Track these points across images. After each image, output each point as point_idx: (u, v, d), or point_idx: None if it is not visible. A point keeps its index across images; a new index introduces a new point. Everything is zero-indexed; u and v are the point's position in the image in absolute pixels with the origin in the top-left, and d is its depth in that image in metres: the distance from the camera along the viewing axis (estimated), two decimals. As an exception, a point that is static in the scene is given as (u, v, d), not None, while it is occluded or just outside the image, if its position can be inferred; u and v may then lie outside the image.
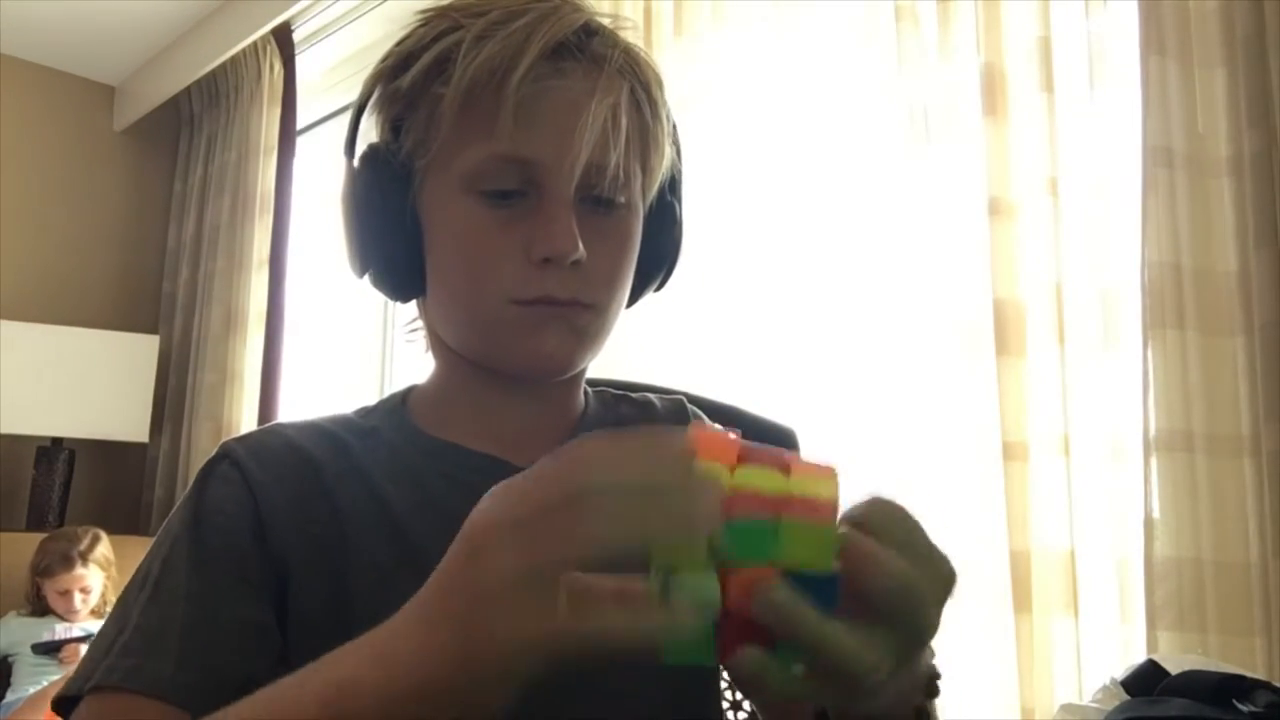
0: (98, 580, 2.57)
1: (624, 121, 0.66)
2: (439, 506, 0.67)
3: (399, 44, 0.69)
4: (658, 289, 0.78)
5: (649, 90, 0.69)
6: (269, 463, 0.67)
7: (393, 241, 0.68)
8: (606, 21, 0.70)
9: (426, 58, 0.66)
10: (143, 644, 0.59)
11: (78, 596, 2.52)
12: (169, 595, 0.61)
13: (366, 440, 0.70)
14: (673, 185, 0.74)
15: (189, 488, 0.67)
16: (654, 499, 0.39)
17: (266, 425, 0.72)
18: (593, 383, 0.81)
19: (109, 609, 2.44)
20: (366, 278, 0.71)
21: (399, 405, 0.75)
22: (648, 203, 0.72)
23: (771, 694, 0.42)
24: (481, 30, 0.64)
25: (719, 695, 0.78)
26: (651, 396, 0.82)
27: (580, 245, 0.64)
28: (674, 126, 0.73)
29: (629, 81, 0.68)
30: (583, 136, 0.63)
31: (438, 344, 0.74)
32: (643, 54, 0.70)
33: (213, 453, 0.68)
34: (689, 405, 0.83)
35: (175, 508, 0.67)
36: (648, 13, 2.14)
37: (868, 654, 0.41)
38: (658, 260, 0.74)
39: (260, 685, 0.47)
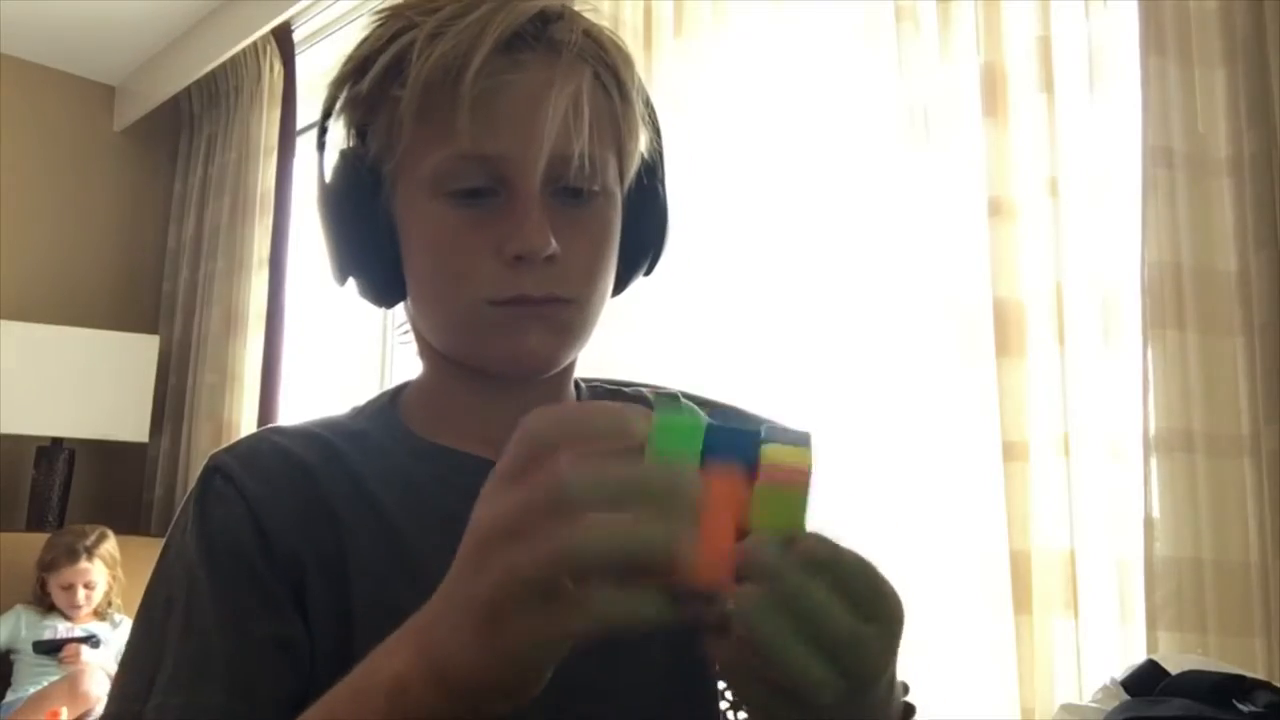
0: (102, 576, 2.57)
1: (587, 109, 0.63)
2: (433, 512, 0.66)
3: (358, 47, 0.68)
4: (646, 274, 0.76)
5: (616, 72, 0.67)
6: (262, 473, 0.65)
7: (369, 249, 0.67)
8: (580, 7, 0.68)
9: (383, 60, 0.64)
10: (188, 679, 0.58)
11: (81, 592, 2.52)
12: (200, 626, 0.60)
13: (357, 444, 0.69)
14: (653, 168, 0.72)
15: (188, 507, 0.65)
16: (639, 501, 0.40)
17: (254, 433, 0.70)
18: (586, 382, 0.80)
19: (112, 610, 2.44)
20: (350, 285, 0.70)
21: (388, 405, 0.74)
22: (625, 187, 0.70)
23: (774, 657, 0.42)
24: (434, 28, 0.62)
25: (717, 695, 0.77)
26: (645, 391, 0.81)
27: (552, 240, 0.62)
28: (649, 107, 0.71)
29: (591, 66, 0.65)
30: (544, 129, 0.61)
31: (424, 346, 0.73)
32: (607, 35, 0.68)
33: (204, 467, 0.66)
34: (683, 400, 0.81)
35: (177, 524, 0.65)
36: (648, 13, 2.14)
37: (816, 670, 0.41)
38: (642, 246, 0.73)
39: (301, 699, 0.47)
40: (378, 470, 0.68)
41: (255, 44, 3.15)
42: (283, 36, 3.15)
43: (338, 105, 0.69)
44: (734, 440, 0.43)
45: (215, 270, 3.24)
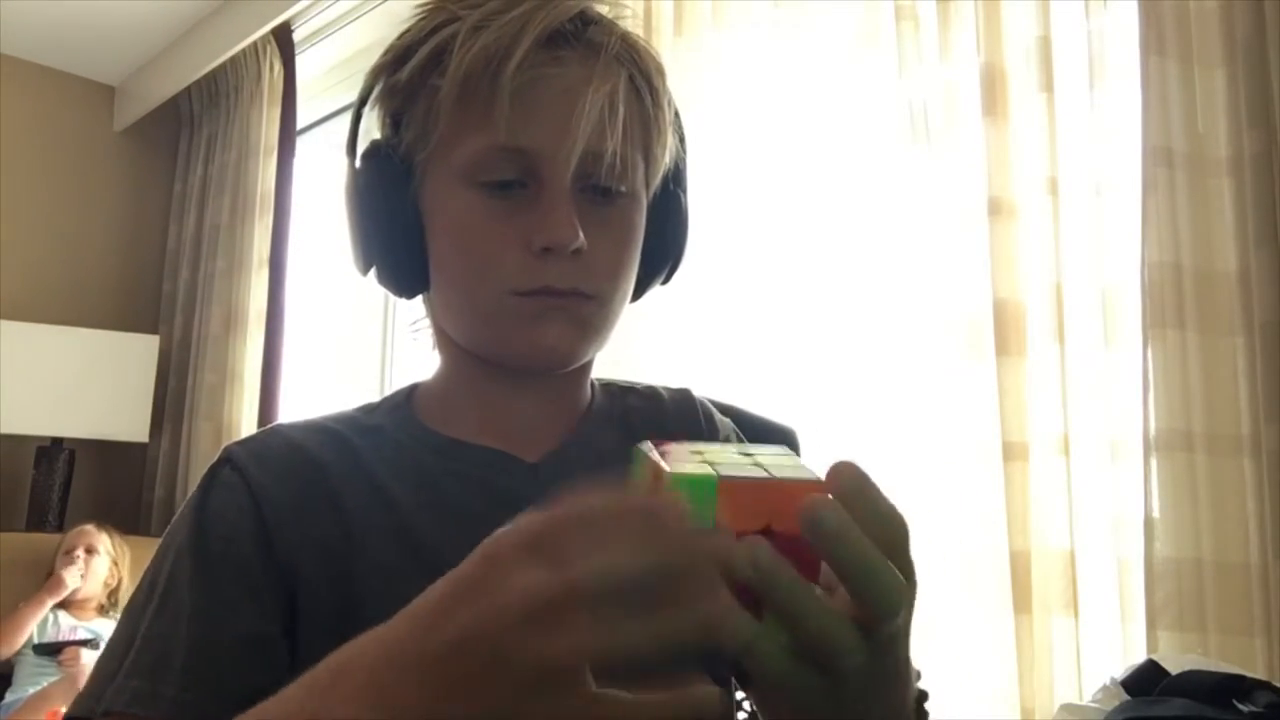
0: (104, 548, 2.62)
1: (622, 109, 0.65)
2: (446, 504, 0.67)
3: (399, 38, 0.69)
4: (664, 282, 0.76)
5: (649, 78, 0.69)
6: (272, 466, 0.66)
7: (395, 237, 0.68)
8: (605, 10, 0.69)
9: (424, 50, 0.66)
10: (149, 664, 0.59)
11: (80, 556, 2.55)
12: (173, 611, 0.61)
13: (371, 438, 0.70)
14: (677, 176, 0.74)
15: (192, 494, 0.66)
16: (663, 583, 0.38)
17: (269, 426, 0.71)
18: (599, 382, 0.81)
19: (116, 612, 2.46)
20: (371, 274, 0.71)
21: (403, 402, 0.74)
22: (651, 192, 0.71)
23: (758, 666, 0.42)
24: (478, 20, 0.64)
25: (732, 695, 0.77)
26: (658, 387, 0.82)
27: (580, 234, 0.63)
28: (677, 116, 0.72)
29: (627, 69, 0.67)
30: (579, 124, 0.63)
31: (443, 339, 0.73)
32: (642, 42, 0.69)
33: (215, 457, 0.67)
34: (695, 396, 0.82)
35: (178, 514, 0.66)
36: (648, 13, 2.14)
37: (845, 630, 0.41)
38: (663, 252, 0.73)
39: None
40: (392, 465, 0.68)
41: (255, 44, 3.15)
42: (283, 36, 3.15)
43: (374, 94, 0.70)
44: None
45: (215, 270, 3.24)
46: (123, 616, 0.64)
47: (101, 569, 2.57)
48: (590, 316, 0.67)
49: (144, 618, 0.61)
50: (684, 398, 0.81)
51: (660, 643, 0.38)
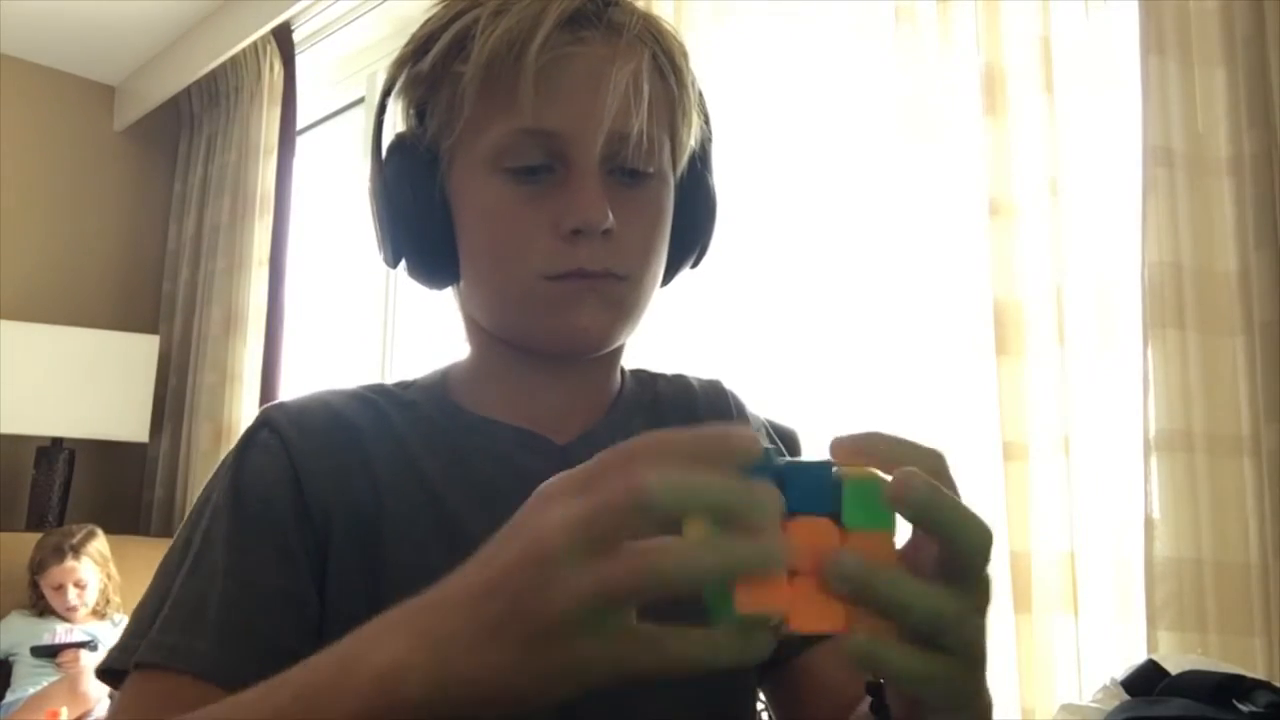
0: (92, 574, 2.54)
1: (646, 88, 0.64)
2: (475, 481, 0.67)
3: (420, 28, 0.69)
4: (694, 265, 0.76)
5: (672, 58, 0.68)
6: (310, 431, 0.66)
7: (423, 227, 0.68)
8: None
9: (445, 38, 0.66)
10: (182, 620, 0.60)
11: (72, 591, 2.49)
12: (208, 568, 0.61)
13: (405, 412, 0.70)
14: (703, 157, 0.73)
15: (229, 454, 0.67)
16: (725, 514, 0.39)
17: (310, 393, 0.71)
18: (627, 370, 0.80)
19: (110, 609, 2.41)
20: (401, 267, 0.71)
21: (438, 382, 0.74)
22: (678, 173, 0.70)
23: (898, 678, 0.43)
24: (498, 5, 0.64)
25: (755, 695, 0.77)
26: (688, 376, 0.81)
27: (610, 214, 0.63)
28: (701, 96, 0.72)
29: (650, 48, 0.67)
30: (604, 104, 0.63)
31: (474, 329, 0.73)
32: (664, 22, 0.69)
33: (255, 419, 0.68)
34: (726, 387, 0.82)
35: (214, 473, 0.67)
36: (647, 10, 2.14)
37: (949, 600, 0.43)
38: (692, 234, 0.73)
39: (300, 657, 0.46)
40: (424, 439, 0.69)
41: (255, 44, 3.15)
42: (283, 36, 3.15)
43: (397, 86, 0.70)
44: (809, 481, 0.42)
45: (215, 270, 3.24)
46: (157, 574, 0.64)
47: (92, 596, 2.55)
48: (623, 298, 0.67)
49: (178, 575, 0.62)
50: (715, 388, 0.81)
51: (726, 566, 0.38)
